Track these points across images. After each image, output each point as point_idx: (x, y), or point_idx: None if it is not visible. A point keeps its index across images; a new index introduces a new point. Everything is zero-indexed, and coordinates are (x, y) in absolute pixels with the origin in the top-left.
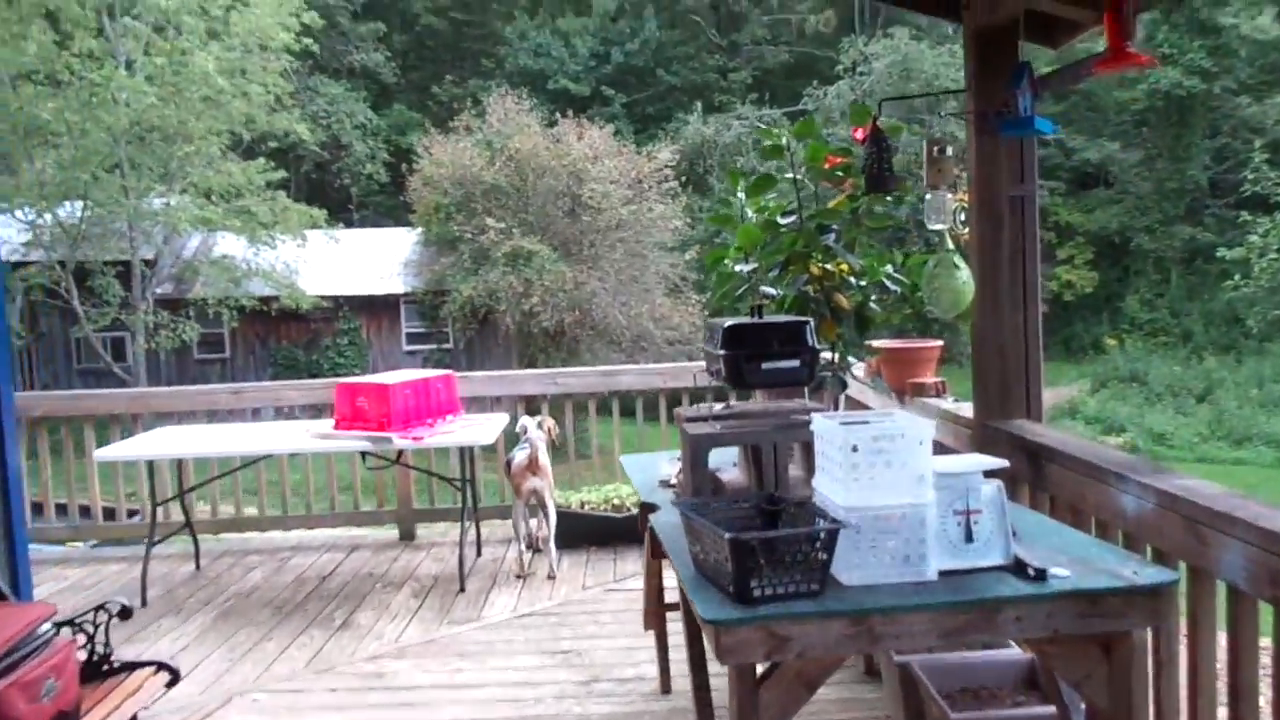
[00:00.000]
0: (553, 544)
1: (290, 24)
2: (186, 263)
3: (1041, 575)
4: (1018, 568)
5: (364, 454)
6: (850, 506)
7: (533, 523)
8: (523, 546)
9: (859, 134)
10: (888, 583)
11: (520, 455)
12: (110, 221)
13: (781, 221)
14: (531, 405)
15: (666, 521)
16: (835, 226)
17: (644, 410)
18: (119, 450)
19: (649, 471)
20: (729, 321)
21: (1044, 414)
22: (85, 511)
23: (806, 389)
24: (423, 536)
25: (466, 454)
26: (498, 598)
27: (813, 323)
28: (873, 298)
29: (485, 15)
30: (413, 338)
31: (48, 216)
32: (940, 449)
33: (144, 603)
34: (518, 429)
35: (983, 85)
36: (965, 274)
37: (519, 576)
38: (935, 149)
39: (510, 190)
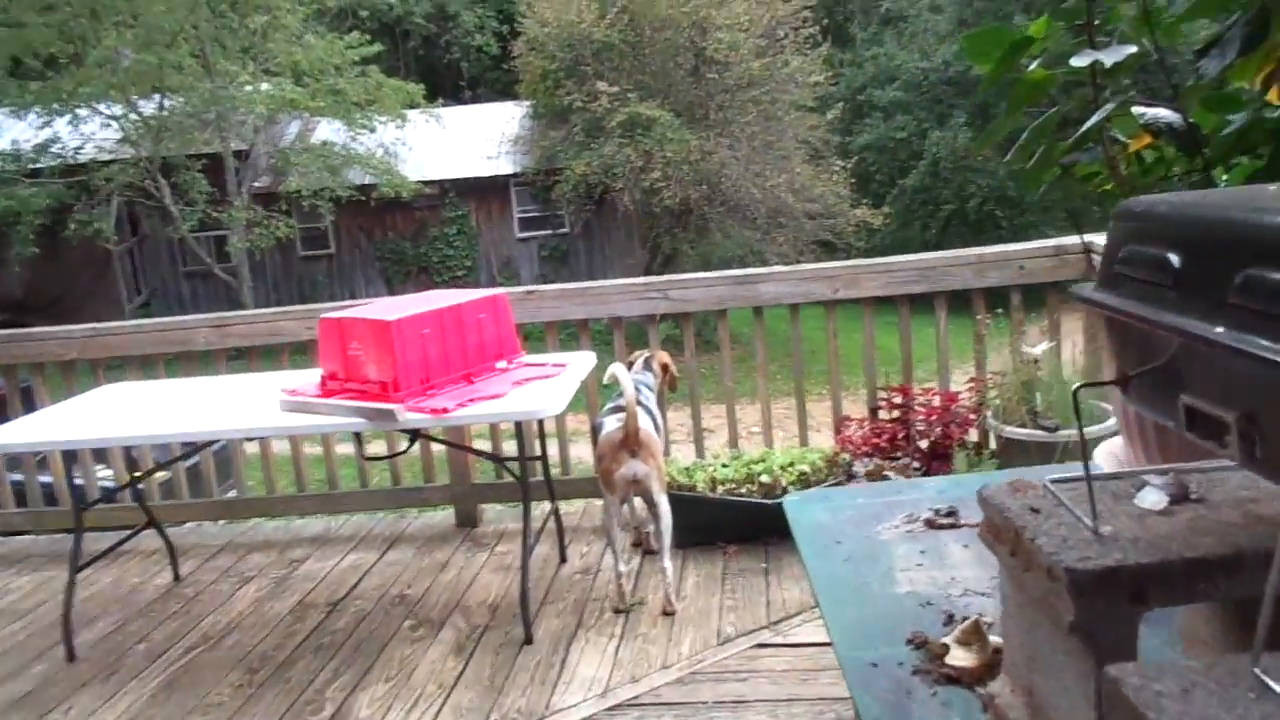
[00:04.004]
0: (668, 561)
1: None
2: (282, 153)
3: None
4: None
5: (359, 436)
6: None
7: (639, 507)
8: (621, 568)
9: None
10: None
11: (611, 424)
12: (201, 112)
13: None
14: (631, 332)
15: None
16: None
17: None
18: (5, 436)
19: (858, 588)
20: None
21: None
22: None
23: None
24: (489, 521)
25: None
26: (582, 661)
27: None
28: None
29: None
30: (525, 223)
31: (131, 109)
32: None
33: (70, 655)
34: (606, 378)
35: None
36: None
37: (617, 611)
38: None
39: (624, 49)
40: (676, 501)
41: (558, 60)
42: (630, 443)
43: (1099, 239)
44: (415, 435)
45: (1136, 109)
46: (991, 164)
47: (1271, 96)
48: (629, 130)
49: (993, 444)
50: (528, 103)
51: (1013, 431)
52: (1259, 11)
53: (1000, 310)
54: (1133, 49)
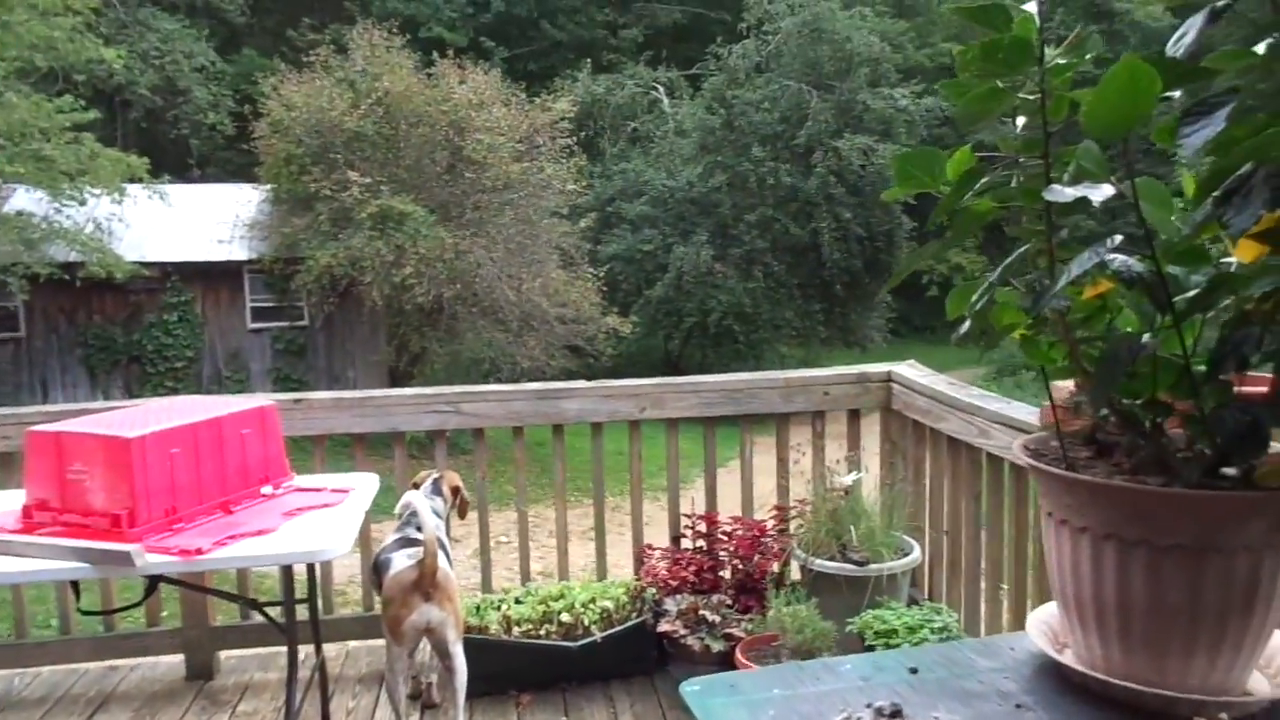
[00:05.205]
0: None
1: None
2: None
3: None
4: None
5: (76, 586)
6: None
7: (420, 655)
8: None
9: None
10: None
11: (400, 562)
12: None
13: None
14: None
15: None
16: None
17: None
18: None
19: None
20: None
21: None
22: None
23: None
24: (229, 671)
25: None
26: None
27: None
28: None
29: None
30: (259, 313)
31: None
32: None
33: None
34: (399, 507)
35: None
36: None
37: None
38: None
39: (378, 140)
40: (465, 646)
41: (304, 145)
42: (424, 584)
43: (897, 367)
44: (156, 582)
45: (1108, 255)
46: (730, 281)
47: (1243, 254)
48: (380, 223)
49: (795, 574)
50: (268, 186)
51: (823, 565)
52: None
53: (806, 438)
54: (1110, 189)
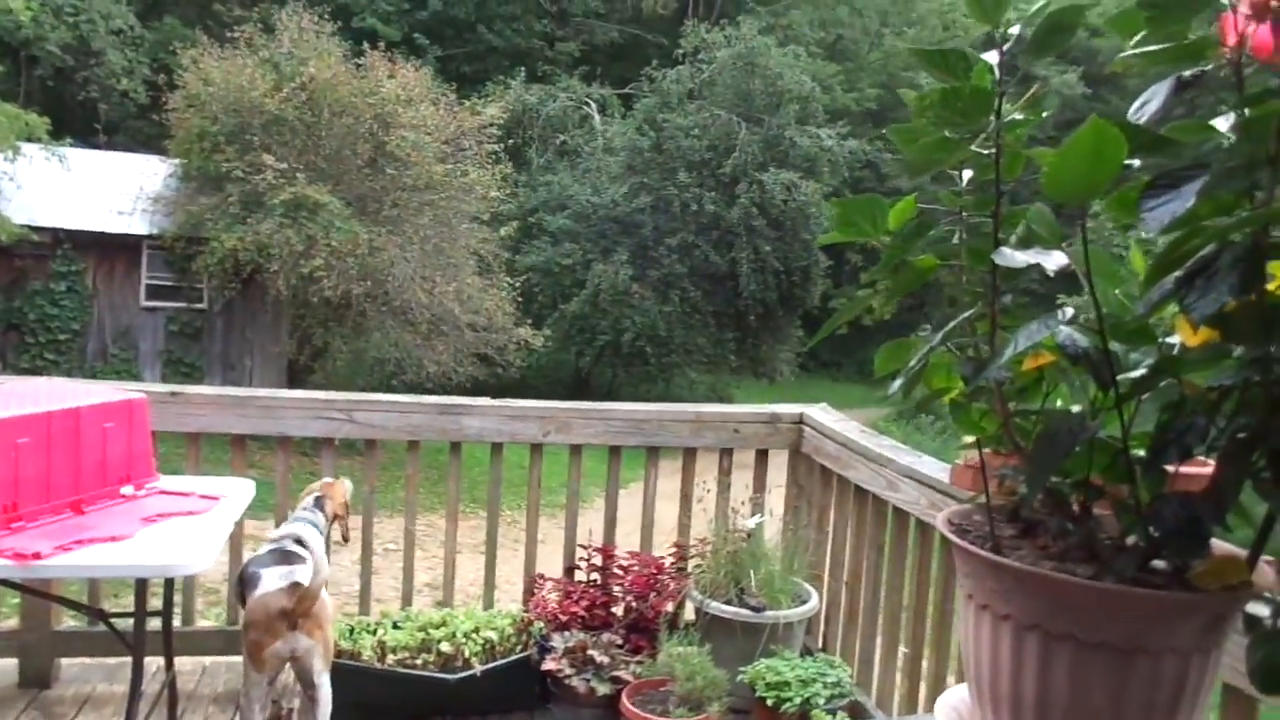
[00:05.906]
0: None
1: None
2: None
3: None
4: None
5: None
6: None
7: (284, 677)
8: None
9: None
10: None
11: (271, 580)
12: None
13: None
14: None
15: None
16: None
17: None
18: None
19: None
20: None
21: None
22: None
23: None
24: (69, 680)
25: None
26: None
27: None
28: None
29: None
30: (154, 291)
31: None
32: None
33: None
34: (280, 533)
35: None
36: None
37: None
38: None
39: (298, 126)
40: (335, 672)
41: (220, 123)
42: (293, 611)
43: (810, 410)
44: None
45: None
46: (647, 302)
47: (1190, 336)
48: (293, 211)
49: (690, 614)
50: (177, 161)
51: (719, 608)
52: (1253, 247)
53: (713, 473)
54: (1063, 258)
